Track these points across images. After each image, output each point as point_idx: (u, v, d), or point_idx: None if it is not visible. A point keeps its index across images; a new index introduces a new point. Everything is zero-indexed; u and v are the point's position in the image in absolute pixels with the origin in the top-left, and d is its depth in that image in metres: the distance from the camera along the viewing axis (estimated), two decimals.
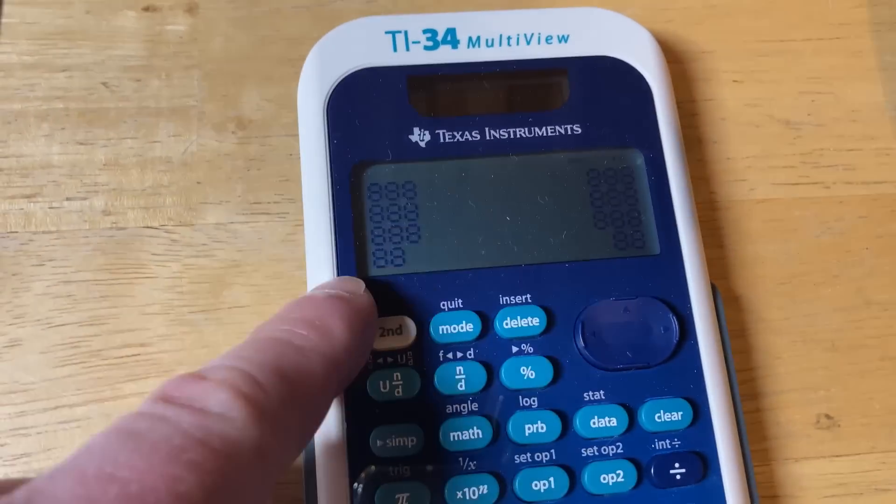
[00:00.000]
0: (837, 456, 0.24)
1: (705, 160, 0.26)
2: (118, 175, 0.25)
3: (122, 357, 0.23)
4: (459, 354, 0.22)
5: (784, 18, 0.28)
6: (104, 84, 0.25)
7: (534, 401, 0.21)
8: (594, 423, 0.21)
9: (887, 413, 0.25)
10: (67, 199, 0.24)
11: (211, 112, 0.25)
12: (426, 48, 0.24)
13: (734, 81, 0.27)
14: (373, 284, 0.22)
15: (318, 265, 0.22)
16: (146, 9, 0.26)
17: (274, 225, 0.25)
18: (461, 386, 0.21)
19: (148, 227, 0.24)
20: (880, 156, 0.27)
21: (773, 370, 0.25)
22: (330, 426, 0.21)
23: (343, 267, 0.22)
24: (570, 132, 0.24)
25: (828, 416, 0.25)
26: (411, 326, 0.21)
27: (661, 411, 0.21)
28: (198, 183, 0.25)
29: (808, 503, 0.24)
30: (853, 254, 0.26)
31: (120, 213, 0.24)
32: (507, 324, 0.22)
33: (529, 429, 0.21)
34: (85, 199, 0.24)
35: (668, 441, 0.21)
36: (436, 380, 0.21)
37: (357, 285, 0.21)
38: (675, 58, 0.27)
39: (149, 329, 0.24)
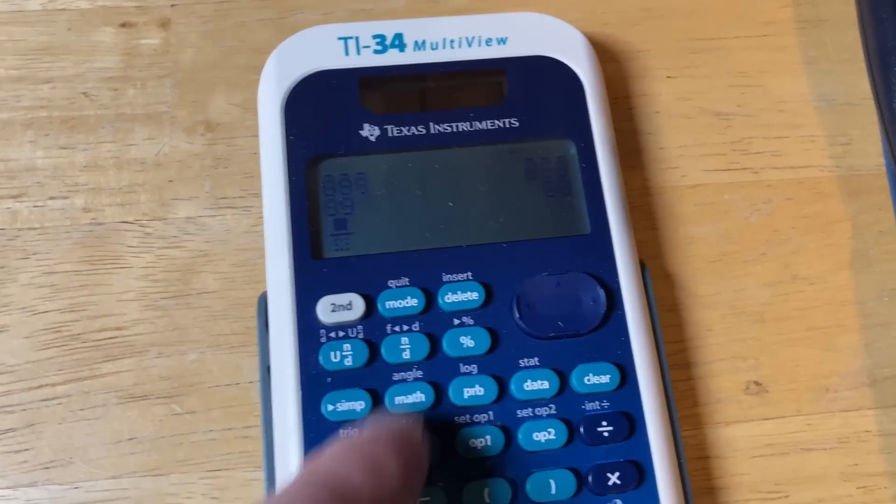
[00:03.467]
0: (765, 419, 0.26)
1: (640, 150, 0.28)
2: (97, 175, 0.27)
3: (99, 340, 0.25)
4: (406, 327, 0.24)
5: (714, 18, 0.30)
6: (84, 94, 0.28)
7: (473, 367, 0.23)
8: (528, 387, 0.23)
9: (811, 378, 0.26)
10: (50, 198, 0.27)
11: (182, 117, 0.28)
12: (376, 52, 0.26)
13: (668, 77, 0.29)
14: (327, 266, 0.24)
15: (277, 251, 0.24)
16: (123, 25, 0.29)
17: (239, 218, 0.27)
18: (406, 355, 0.23)
19: (124, 222, 0.27)
20: (805, 143, 0.29)
21: (704, 341, 0.27)
22: (286, 396, 0.23)
23: (299, 252, 0.24)
24: (508, 125, 0.26)
25: (756, 383, 0.26)
26: (359, 302, 0.23)
27: (591, 375, 0.23)
28: (169, 181, 0.27)
29: (738, 463, 0.25)
30: (780, 233, 0.28)
31: (98, 209, 0.27)
32: (448, 298, 0.24)
33: (468, 392, 0.23)
34: (66, 197, 0.27)
35: (597, 402, 0.23)
36: (382, 350, 0.23)
37: (413, 428, 0.21)
38: (611, 57, 0.29)
39: (124, 314, 0.26)
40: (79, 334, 0.25)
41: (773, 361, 0.27)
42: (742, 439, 0.26)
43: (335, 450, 0.19)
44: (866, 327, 0.27)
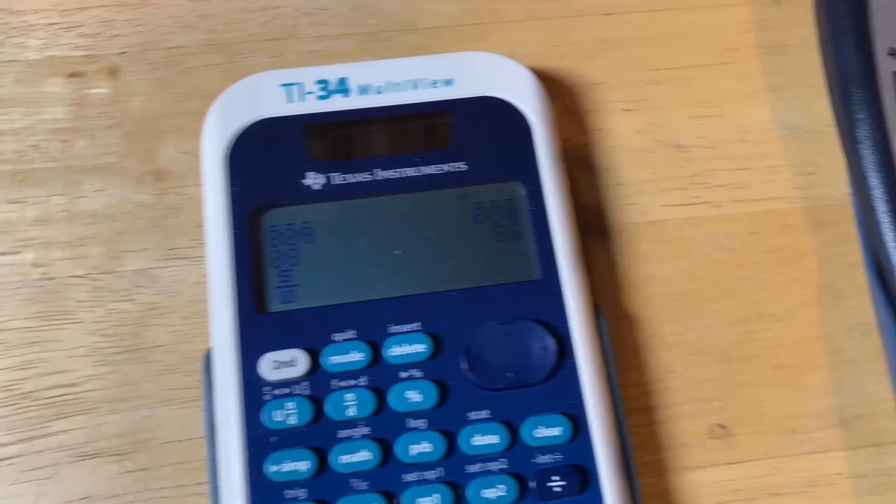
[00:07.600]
0: (731, 463, 0.25)
1: (598, 187, 0.28)
2: (47, 230, 0.27)
3: (51, 397, 0.25)
4: (351, 382, 0.23)
5: (673, 47, 0.30)
6: (34, 146, 0.27)
7: (422, 422, 0.23)
8: (477, 441, 0.22)
9: (779, 420, 0.26)
10: (1, 254, 0.26)
11: (131, 167, 0.27)
12: (319, 97, 0.26)
13: (625, 111, 0.29)
14: (271, 320, 0.24)
15: (220, 306, 0.24)
16: (72, 75, 0.28)
17: (189, 268, 0.26)
18: (351, 412, 0.23)
19: (75, 276, 0.26)
20: (769, 173, 0.28)
21: (667, 384, 0.26)
22: (230, 456, 0.22)
23: (242, 306, 0.24)
24: (455, 169, 0.25)
25: (721, 426, 0.26)
26: (303, 358, 0.23)
27: (542, 427, 0.23)
28: (120, 233, 0.27)
29: None
30: (745, 269, 0.27)
31: (49, 264, 0.26)
32: (394, 351, 0.23)
33: (415, 449, 0.22)
34: (17, 253, 0.26)
35: (549, 455, 0.23)
36: (327, 407, 0.23)
37: None
38: (567, 91, 0.29)
39: (76, 370, 0.25)
40: (30, 392, 0.25)
41: (738, 403, 0.26)
42: (707, 485, 0.25)
43: None
44: (835, 364, 0.26)
